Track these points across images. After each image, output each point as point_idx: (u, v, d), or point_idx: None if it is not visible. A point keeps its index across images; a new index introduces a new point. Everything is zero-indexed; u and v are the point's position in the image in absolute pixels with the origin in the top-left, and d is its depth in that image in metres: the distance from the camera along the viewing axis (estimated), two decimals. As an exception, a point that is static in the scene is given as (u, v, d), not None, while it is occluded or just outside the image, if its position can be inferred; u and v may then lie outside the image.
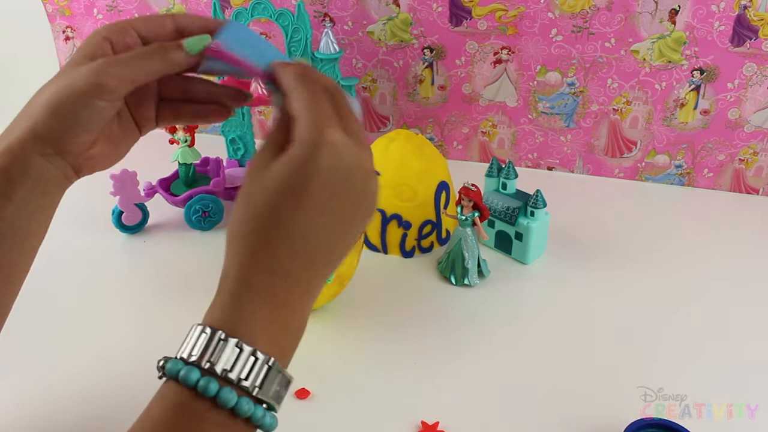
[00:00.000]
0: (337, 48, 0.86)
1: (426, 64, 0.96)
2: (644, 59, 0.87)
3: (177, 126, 0.82)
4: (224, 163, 0.90)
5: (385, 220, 0.76)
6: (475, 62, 0.94)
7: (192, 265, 0.77)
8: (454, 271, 0.73)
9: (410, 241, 0.78)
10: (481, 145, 1.00)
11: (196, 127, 0.84)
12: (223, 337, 0.33)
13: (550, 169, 0.99)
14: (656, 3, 0.83)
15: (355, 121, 0.38)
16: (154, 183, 0.85)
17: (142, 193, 0.83)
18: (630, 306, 0.69)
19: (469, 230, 0.71)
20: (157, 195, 0.85)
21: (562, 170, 0.99)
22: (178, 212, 0.85)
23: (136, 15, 1.05)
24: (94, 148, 0.41)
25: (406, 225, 0.76)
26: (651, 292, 0.72)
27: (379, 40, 0.96)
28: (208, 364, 0.32)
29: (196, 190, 0.83)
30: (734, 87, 0.86)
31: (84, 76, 0.38)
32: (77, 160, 0.40)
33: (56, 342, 0.65)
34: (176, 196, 0.83)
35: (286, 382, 0.35)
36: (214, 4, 0.86)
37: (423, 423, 0.54)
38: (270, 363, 0.33)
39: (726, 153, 0.90)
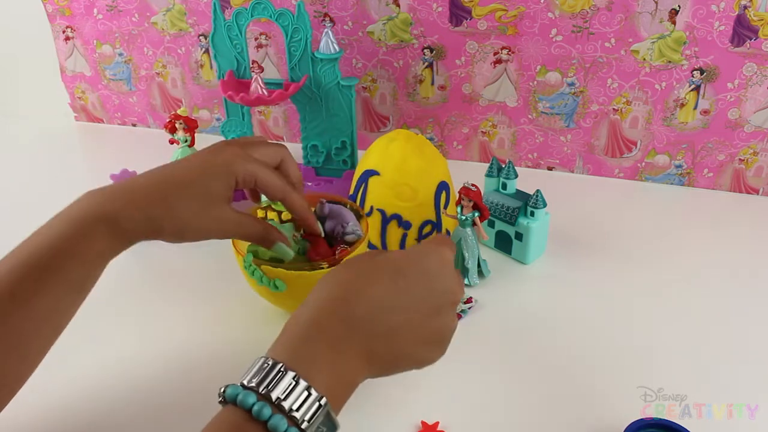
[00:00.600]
0: (337, 48, 0.86)
1: (426, 64, 0.96)
2: (644, 59, 0.87)
3: (177, 126, 0.82)
4: (224, 163, 0.90)
5: (385, 220, 0.76)
6: (475, 62, 0.94)
7: (192, 265, 0.77)
8: (454, 271, 0.73)
9: (410, 241, 0.78)
10: (481, 145, 1.00)
11: (196, 127, 0.84)
12: (282, 369, 0.36)
13: (550, 169, 0.99)
14: (656, 3, 0.83)
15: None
16: (154, 183, 0.85)
17: (142, 193, 0.83)
18: (630, 306, 0.69)
19: (469, 230, 0.71)
20: (157, 195, 0.85)
21: (562, 170, 0.99)
22: (178, 212, 0.85)
23: (136, 15, 1.05)
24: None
25: (406, 225, 0.76)
26: (651, 291, 0.72)
27: (379, 40, 0.96)
28: (264, 391, 0.35)
29: (196, 190, 0.83)
30: (734, 87, 0.86)
31: (218, 221, 0.51)
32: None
33: (56, 342, 0.65)
34: (176, 196, 0.83)
35: (333, 426, 0.37)
36: (214, 4, 0.86)
37: (423, 423, 0.54)
38: (321, 402, 0.36)
39: (726, 153, 0.90)
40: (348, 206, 0.68)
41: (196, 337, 0.66)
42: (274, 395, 0.35)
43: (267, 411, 0.34)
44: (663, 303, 0.70)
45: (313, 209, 0.67)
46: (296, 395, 0.35)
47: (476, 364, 0.62)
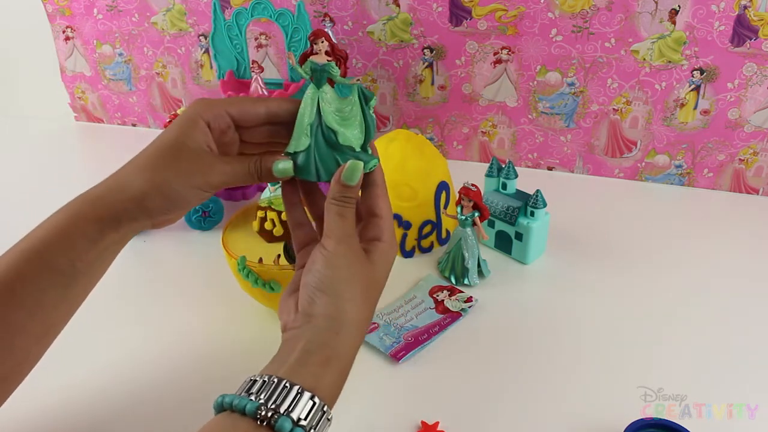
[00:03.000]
0: (337, 48, 0.86)
1: (426, 64, 0.96)
2: (644, 59, 0.87)
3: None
4: (224, 163, 0.90)
5: (385, 220, 0.76)
6: (475, 62, 0.94)
7: (192, 265, 0.77)
8: (454, 271, 0.73)
9: (410, 241, 0.78)
10: (481, 145, 1.00)
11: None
12: (287, 384, 0.38)
13: (550, 169, 0.99)
14: (656, 3, 0.83)
15: None
16: (154, 183, 0.85)
17: (142, 193, 0.83)
18: (630, 306, 0.69)
19: (469, 230, 0.71)
20: (157, 195, 0.85)
21: (562, 170, 0.99)
22: (178, 212, 0.85)
23: (136, 15, 1.05)
24: (179, 216, 0.47)
25: (406, 225, 0.76)
26: (651, 291, 0.72)
27: (379, 40, 0.96)
28: (273, 405, 0.37)
29: (196, 190, 0.83)
30: (734, 87, 0.86)
31: (194, 173, 0.45)
32: (160, 223, 0.46)
33: (55, 342, 0.65)
34: (176, 196, 0.83)
35: (328, 422, 0.40)
36: (214, 4, 0.86)
37: (423, 423, 0.54)
38: (324, 408, 0.39)
39: (726, 153, 0.90)
40: None
41: (189, 341, 0.66)
42: (282, 408, 0.37)
43: (287, 424, 0.36)
44: (663, 303, 0.70)
45: None
46: (302, 406, 0.37)
47: (476, 364, 0.62)
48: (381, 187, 0.47)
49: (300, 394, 0.38)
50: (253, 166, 0.46)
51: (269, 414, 0.36)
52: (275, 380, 0.38)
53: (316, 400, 0.38)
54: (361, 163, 0.45)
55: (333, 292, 0.42)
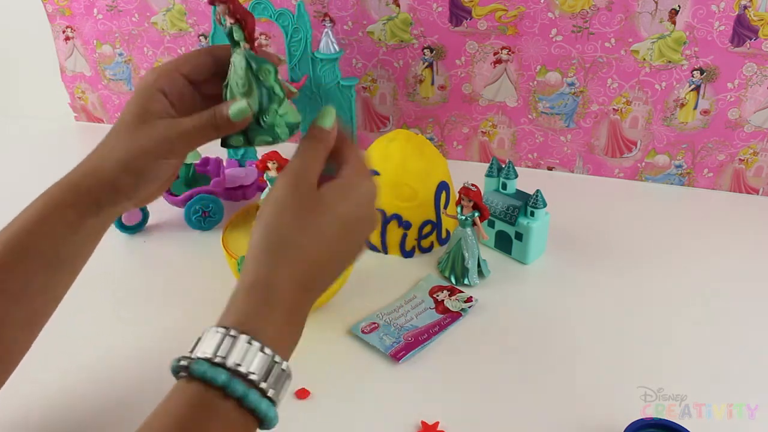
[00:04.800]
0: (337, 48, 0.86)
1: (426, 64, 0.96)
2: (644, 59, 0.87)
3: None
4: (224, 163, 0.90)
5: (385, 220, 0.76)
6: (475, 62, 0.94)
7: (192, 265, 0.77)
8: (454, 271, 0.73)
9: (410, 241, 0.78)
10: (481, 145, 1.00)
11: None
12: (234, 334, 0.36)
13: (550, 169, 0.99)
14: (656, 3, 0.83)
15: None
16: (154, 183, 0.85)
17: (142, 193, 0.83)
18: (630, 306, 0.69)
19: (469, 230, 0.71)
20: (157, 195, 0.85)
21: (562, 170, 0.99)
22: (178, 212, 0.85)
23: (136, 15, 1.05)
24: (157, 191, 0.47)
25: (406, 225, 0.76)
26: (651, 291, 0.72)
27: (379, 40, 0.96)
28: (218, 359, 0.35)
29: (196, 190, 0.83)
30: (734, 87, 0.86)
31: (155, 144, 0.44)
32: (141, 202, 0.47)
33: (56, 342, 0.65)
34: (176, 196, 0.83)
35: (287, 376, 0.38)
36: (214, 4, 0.86)
37: (423, 423, 0.54)
38: (276, 359, 0.37)
39: (726, 153, 0.90)
40: None
41: (189, 341, 0.66)
42: (230, 361, 0.35)
43: (224, 377, 0.35)
44: (663, 303, 0.70)
45: None
46: (251, 357, 0.36)
47: (476, 364, 0.62)
48: (343, 140, 0.45)
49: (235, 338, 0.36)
50: (208, 116, 0.44)
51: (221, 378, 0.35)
52: (221, 331, 0.37)
53: (254, 342, 0.36)
54: (332, 109, 0.45)
55: (260, 220, 0.43)
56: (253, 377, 0.35)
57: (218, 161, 0.89)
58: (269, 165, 0.75)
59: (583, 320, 0.67)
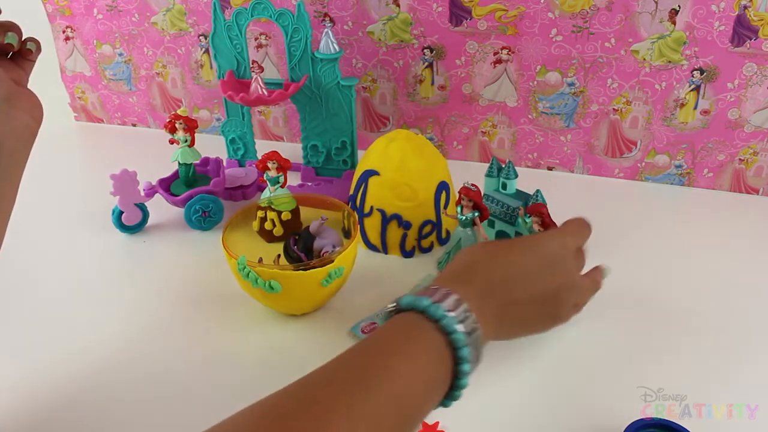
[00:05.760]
0: (337, 48, 0.86)
1: (426, 64, 0.96)
2: (644, 59, 0.87)
3: (177, 126, 0.82)
4: (224, 163, 0.90)
5: (385, 220, 0.76)
6: (475, 62, 0.94)
7: (192, 265, 0.77)
8: (454, 271, 0.73)
9: (410, 241, 0.78)
10: (481, 145, 1.00)
11: (196, 127, 0.84)
12: (447, 291, 0.44)
13: (550, 169, 0.99)
14: (656, 3, 0.83)
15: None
16: (154, 183, 0.86)
17: (142, 193, 0.83)
18: (629, 305, 0.69)
19: (469, 230, 0.71)
20: (157, 195, 0.85)
21: (562, 170, 0.99)
22: (178, 212, 0.85)
23: (136, 15, 1.05)
24: None
25: (406, 225, 0.76)
26: (650, 291, 0.72)
27: (379, 40, 0.96)
28: (435, 301, 0.43)
29: (196, 190, 0.83)
30: (734, 87, 0.86)
31: None
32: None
33: (56, 342, 0.65)
34: (176, 196, 0.83)
35: (482, 338, 0.45)
36: (214, 4, 0.86)
37: (423, 423, 0.54)
38: (475, 323, 0.44)
39: (726, 153, 0.90)
40: (341, 226, 0.73)
41: (189, 340, 0.66)
42: (444, 306, 0.43)
43: (440, 311, 0.42)
44: (662, 303, 0.70)
45: (308, 225, 0.71)
46: (459, 310, 0.43)
47: (476, 364, 0.62)
48: None
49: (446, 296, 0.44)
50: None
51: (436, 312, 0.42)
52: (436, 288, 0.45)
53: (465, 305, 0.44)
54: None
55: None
56: (451, 314, 0.42)
57: (218, 161, 0.89)
58: (269, 165, 0.75)
59: (582, 320, 0.67)
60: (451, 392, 0.43)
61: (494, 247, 0.53)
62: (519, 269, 0.51)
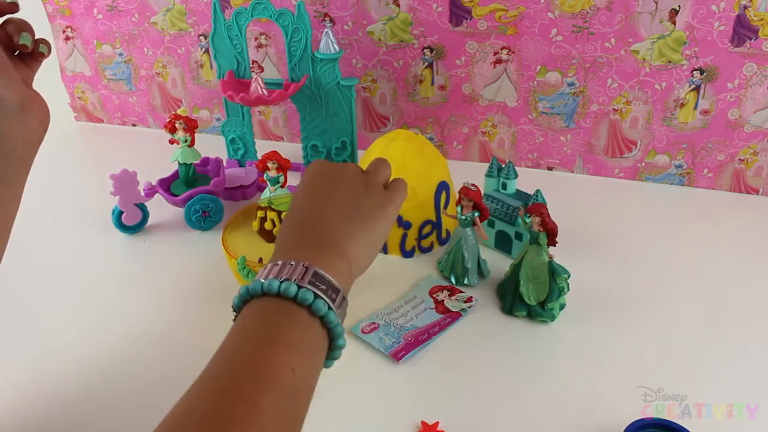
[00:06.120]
0: (337, 48, 0.86)
1: (426, 64, 0.96)
2: (644, 59, 0.87)
3: (177, 126, 0.82)
4: (224, 163, 0.90)
5: (385, 220, 0.76)
6: (475, 62, 0.94)
7: (192, 265, 0.77)
8: (454, 270, 0.73)
9: (410, 241, 0.78)
10: (481, 145, 1.00)
11: (196, 127, 0.84)
12: (292, 263, 0.41)
13: (550, 169, 1.00)
14: (656, 3, 0.83)
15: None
16: (154, 183, 0.86)
17: (142, 193, 0.83)
18: (629, 305, 0.69)
19: (469, 230, 0.71)
20: (157, 195, 0.85)
21: (562, 170, 0.99)
22: (178, 212, 0.85)
23: (136, 15, 1.05)
24: None
25: (406, 225, 0.76)
26: (650, 291, 0.72)
27: (379, 40, 0.96)
28: (284, 278, 0.40)
29: (196, 190, 0.83)
30: (734, 87, 0.86)
31: None
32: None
33: (56, 341, 0.65)
34: (176, 196, 0.83)
35: (343, 298, 0.43)
36: (214, 4, 0.86)
37: (423, 423, 0.54)
38: (328, 277, 0.41)
39: (726, 153, 0.90)
40: None
41: (189, 340, 0.66)
42: (293, 279, 0.40)
43: (293, 288, 0.39)
44: (662, 303, 0.70)
45: None
46: (309, 276, 0.41)
47: (476, 364, 0.62)
48: None
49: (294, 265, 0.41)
50: None
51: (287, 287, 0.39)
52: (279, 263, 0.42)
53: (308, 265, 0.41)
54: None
55: None
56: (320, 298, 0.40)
57: (218, 161, 0.89)
58: (269, 165, 0.75)
59: (582, 320, 0.67)
60: (330, 353, 0.43)
61: (309, 199, 0.49)
62: (335, 206, 0.48)
